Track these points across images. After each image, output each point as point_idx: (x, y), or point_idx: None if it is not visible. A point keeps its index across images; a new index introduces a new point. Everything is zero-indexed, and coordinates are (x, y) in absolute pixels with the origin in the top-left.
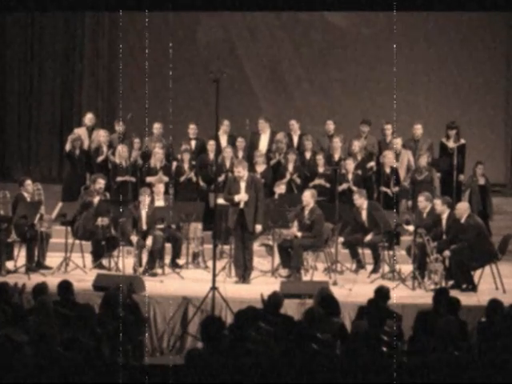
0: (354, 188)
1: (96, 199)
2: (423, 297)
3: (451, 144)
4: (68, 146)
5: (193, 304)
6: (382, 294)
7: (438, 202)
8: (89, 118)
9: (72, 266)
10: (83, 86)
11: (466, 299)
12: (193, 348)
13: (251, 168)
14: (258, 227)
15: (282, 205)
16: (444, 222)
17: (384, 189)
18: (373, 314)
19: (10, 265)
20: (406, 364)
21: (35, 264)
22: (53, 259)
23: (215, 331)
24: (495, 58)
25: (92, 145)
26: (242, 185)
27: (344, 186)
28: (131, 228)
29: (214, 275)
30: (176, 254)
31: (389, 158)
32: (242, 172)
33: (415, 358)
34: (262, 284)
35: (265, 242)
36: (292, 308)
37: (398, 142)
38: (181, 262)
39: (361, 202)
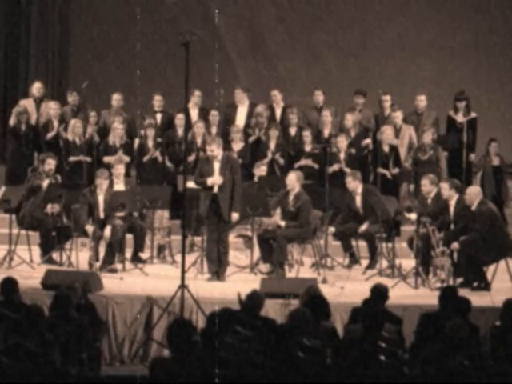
0: (347, 169)
1: (45, 183)
2: (427, 297)
3: (460, 118)
4: (12, 121)
5: (158, 305)
6: (379, 293)
7: (444, 186)
8: (37, 87)
9: (17, 261)
10: (30, 51)
11: (477, 299)
12: (158, 356)
13: (226, 146)
14: (235, 215)
15: (262, 189)
16: (452, 209)
17: (382, 170)
18: (369, 316)
19: None
20: (407, 375)
21: None
22: None
23: (184, 337)
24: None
25: (40, 119)
26: (216, 166)
27: (335, 167)
28: (86, 216)
29: (184, 271)
30: (139, 247)
31: (387, 134)
32: (215, 151)
33: (418, 368)
34: (240, 282)
35: (242, 233)
36: (274, 310)
37: (397, 116)
38: (144, 255)
39: (355, 185)
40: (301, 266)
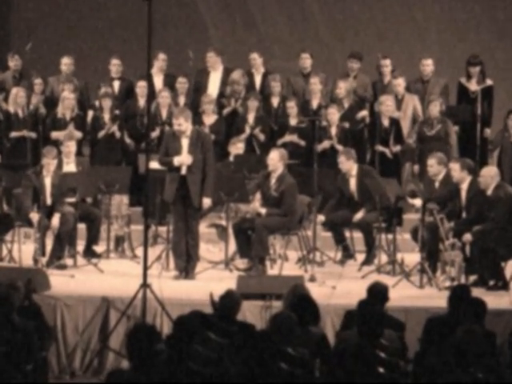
0: (339, 147)
1: None
2: (435, 297)
3: (473, 86)
4: None
5: (116, 307)
6: (377, 293)
7: (455, 167)
8: None
9: None
10: None
11: (493, 300)
12: (116, 368)
13: (197, 119)
14: (207, 201)
15: (239, 170)
16: (463, 193)
17: (381, 148)
18: (365, 321)
19: None
20: None
21: None
22: None
23: (146, 345)
24: None
25: None
26: (184, 142)
27: (325, 143)
28: (30, 202)
29: (146, 268)
30: (93, 239)
31: (387, 105)
32: (183, 125)
33: (423, 382)
34: (212, 280)
35: (216, 222)
36: (253, 313)
37: (399, 84)
38: (99, 249)
39: (348, 166)
40: (285, 262)
